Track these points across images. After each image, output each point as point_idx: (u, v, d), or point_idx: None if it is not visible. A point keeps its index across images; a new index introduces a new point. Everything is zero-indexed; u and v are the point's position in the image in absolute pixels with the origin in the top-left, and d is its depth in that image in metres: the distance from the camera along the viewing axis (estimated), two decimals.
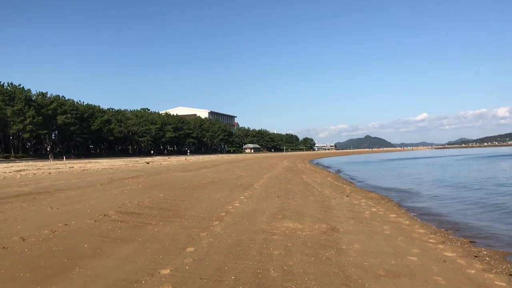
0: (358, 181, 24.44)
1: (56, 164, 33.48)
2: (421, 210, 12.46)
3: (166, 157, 71.66)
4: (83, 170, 23.08)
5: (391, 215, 10.81)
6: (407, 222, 9.92)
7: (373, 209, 11.74)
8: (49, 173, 20.25)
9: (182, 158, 63.65)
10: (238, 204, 11.09)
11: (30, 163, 41.10)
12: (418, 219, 10.70)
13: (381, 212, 11.21)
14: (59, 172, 20.73)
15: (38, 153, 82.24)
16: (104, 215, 8.59)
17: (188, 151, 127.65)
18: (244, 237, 7.11)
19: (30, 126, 71.68)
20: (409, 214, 11.35)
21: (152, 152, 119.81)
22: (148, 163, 34.57)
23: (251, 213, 9.69)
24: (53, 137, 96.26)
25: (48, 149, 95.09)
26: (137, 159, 57.08)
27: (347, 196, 14.95)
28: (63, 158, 66.18)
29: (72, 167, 25.50)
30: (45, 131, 79.17)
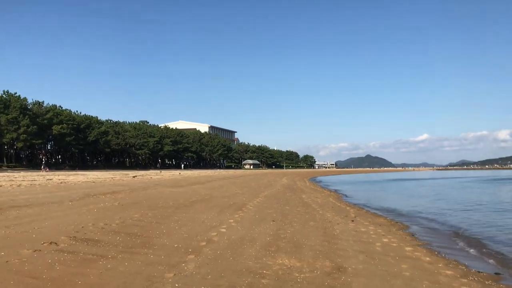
0: (362, 203, 22.62)
1: (38, 175, 31.61)
2: (439, 241, 10.66)
3: (157, 171, 69.33)
4: (61, 183, 21.25)
5: (407, 248, 9.03)
6: (427, 258, 8.13)
7: (384, 239, 9.96)
8: (19, 185, 18.42)
9: (176, 172, 61.69)
10: (224, 230, 9.32)
11: (22, 173, 39.28)
12: (439, 253, 8.90)
13: (394, 244, 9.43)
14: (31, 184, 18.91)
15: (33, 163, 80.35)
16: (51, 242, 6.81)
17: (183, 165, 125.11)
18: (223, 281, 5.35)
19: (24, 135, 69.94)
20: (427, 247, 9.55)
21: (158, 165, 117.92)
22: (134, 177, 32.68)
23: (238, 243, 7.92)
24: (48, 148, 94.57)
25: (44, 159, 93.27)
26: (128, 172, 55.13)
27: (352, 221, 13.18)
28: (46, 168, 64.00)
29: (50, 179, 23.65)
30: (40, 141, 77.39)
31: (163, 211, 11.79)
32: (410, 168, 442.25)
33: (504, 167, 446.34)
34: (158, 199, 15.06)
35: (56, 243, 6.77)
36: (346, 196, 27.94)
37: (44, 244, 6.67)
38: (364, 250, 8.34)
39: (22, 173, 37.13)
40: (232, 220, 10.90)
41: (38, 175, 31.67)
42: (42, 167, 66.49)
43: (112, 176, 31.62)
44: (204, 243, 7.67)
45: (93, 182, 22.90)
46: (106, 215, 10.20)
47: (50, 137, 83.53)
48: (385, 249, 8.74)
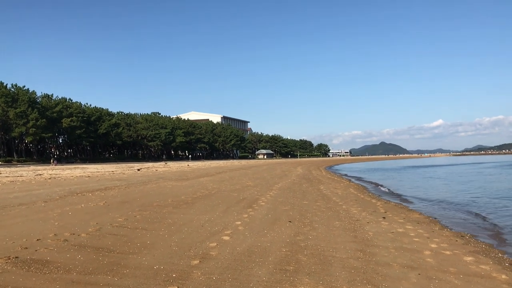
0: (387, 193, 20.42)
1: (29, 170, 29.65)
2: (502, 244, 8.45)
3: (163, 163, 67.02)
4: (50, 178, 19.30)
5: (466, 258, 6.85)
6: (503, 276, 5.95)
7: (432, 245, 7.80)
8: None
9: (184, 164, 59.69)
10: (228, 238, 7.25)
11: (14, 168, 37.62)
12: None
13: (447, 252, 7.26)
14: (12, 182, 16.82)
15: (43, 157, 79.23)
16: None
17: (190, 156, 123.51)
18: None
19: (33, 129, 68.67)
20: (491, 255, 7.36)
21: (163, 157, 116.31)
22: (139, 169, 30.68)
23: (244, 259, 5.84)
24: (60, 141, 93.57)
25: (55, 153, 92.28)
26: (135, 164, 53.24)
27: (384, 218, 11.03)
28: (55, 162, 62.65)
29: (40, 175, 21.71)
30: (49, 134, 76.12)
31: (156, 212, 9.75)
32: (426, 154, 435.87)
33: None
34: (155, 196, 13.04)
35: None
36: (367, 185, 25.71)
37: None
38: (413, 264, 6.20)
39: (15, 168, 35.39)
40: (239, 222, 8.82)
41: (31, 170, 29.82)
42: (52, 161, 65.28)
43: (114, 170, 29.68)
44: (196, 262, 5.60)
45: (88, 177, 20.93)
46: (80, 220, 8.18)
47: (60, 130, 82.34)
48: (439, 260, 6.59)
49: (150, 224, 8.24)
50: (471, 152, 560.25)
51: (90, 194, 12.76)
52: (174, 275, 4.98)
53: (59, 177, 20.64)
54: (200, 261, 5.65)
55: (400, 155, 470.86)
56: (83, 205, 10.14)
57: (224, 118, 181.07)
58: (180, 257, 5.83)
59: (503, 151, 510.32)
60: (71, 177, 20.38)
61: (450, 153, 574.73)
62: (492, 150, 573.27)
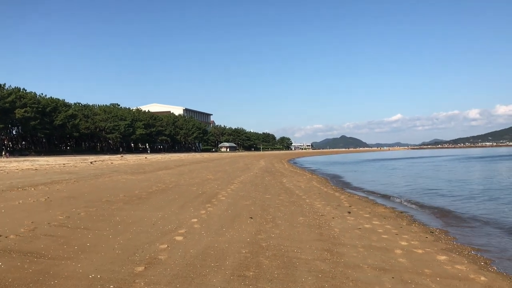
0: (349, 186, 20.08)
1: None
2: (470, 239, 8.04)
3: (119, 156, 64.44)
4: None
5: (440, 258, 6.36)
6: (482, 277, 5.47)
7: (402, 242, 7.31)
8: None
9: (142, 156, 58.07)
10: (181, 238, 6.49)
11: None
12: (487, 264, 6.25)
13: (419, 250, 6.77)
14: None
15: None
16: None
17: (149, 149, 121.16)
18: None
19: None
20: (464, 253, 6.91)
21: (120, 149, 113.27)
22: (92, 162, 29.26)
23: (198, 264, 5.11)
24: (13, 133, 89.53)
25: (9, 145, 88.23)
26: (89, 157, 51.23)
27: (349, 212, 10.54)
28: (7, 155, 59.79)
29: None
30: (1, 126, 72.48)
31: (104, 208, 8.85)
32: (385, 148, 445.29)
33: (476, 145, 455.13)
34: (106, 191, 12.07)
35: None
36: (329, 178, 25.38)
37: None
38: (385, 266, 5.64)
39: None
40: (195, 220, 8.07)
41: None
42: (3, 153, 62.24)
43: (66, 162, 28.12)
44: (141, 268, 4.83)
45: (36, 169, 19.56)
46: (13, 219, 7.22)
47: (14, 121, 78.60)
48: (412, 260, 6.07)
49: (94, 222, 7.37)
50: (428, 146, 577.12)
51: (32, 189, 11.65)
52: (111, 286, 4.19)
53: (2, 170, 19.18)
54: (145, 267, 4.88)
55: (360, 148, 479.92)
56: (21, 201, 9.11)
57: (186, 110, 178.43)
58: (123, 262, 5.04)
59: (458, 144, 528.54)
60: (16, 170, 18.95)
61: (408, 146, 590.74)
62: (448, 144, 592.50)
